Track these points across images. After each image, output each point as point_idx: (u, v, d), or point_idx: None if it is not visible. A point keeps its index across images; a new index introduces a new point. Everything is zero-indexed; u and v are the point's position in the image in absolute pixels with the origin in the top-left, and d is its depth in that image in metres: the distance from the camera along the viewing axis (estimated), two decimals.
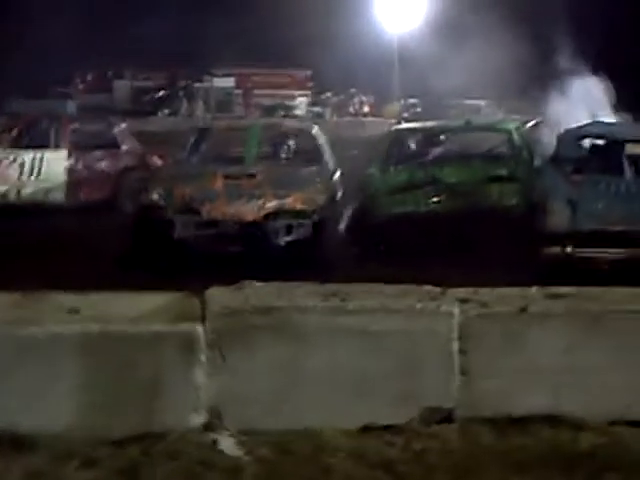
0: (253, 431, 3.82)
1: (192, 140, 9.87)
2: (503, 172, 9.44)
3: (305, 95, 42.34)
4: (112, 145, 11.99)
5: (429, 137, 10.77)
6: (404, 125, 15.11)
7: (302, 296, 3.98)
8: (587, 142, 8.69)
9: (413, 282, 4.26)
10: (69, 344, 3.81)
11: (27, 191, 11.11)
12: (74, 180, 11.32)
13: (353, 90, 40.34)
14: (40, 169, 11.12)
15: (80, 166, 11.45)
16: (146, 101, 38.95)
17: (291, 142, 10.06)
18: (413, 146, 10.85)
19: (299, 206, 8.17)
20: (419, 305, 3.96)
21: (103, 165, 11.68)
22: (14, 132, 11.44)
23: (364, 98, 40.43)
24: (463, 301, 4.06)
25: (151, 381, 3.83)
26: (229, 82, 41.32)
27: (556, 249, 7.66)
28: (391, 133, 10.85)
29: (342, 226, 8.77)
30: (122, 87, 41.98)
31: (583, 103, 12.25)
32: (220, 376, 3.85)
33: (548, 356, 4.02)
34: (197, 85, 39.87)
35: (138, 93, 40.59)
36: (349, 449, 3.72)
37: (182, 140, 10.09)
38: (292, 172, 9.01)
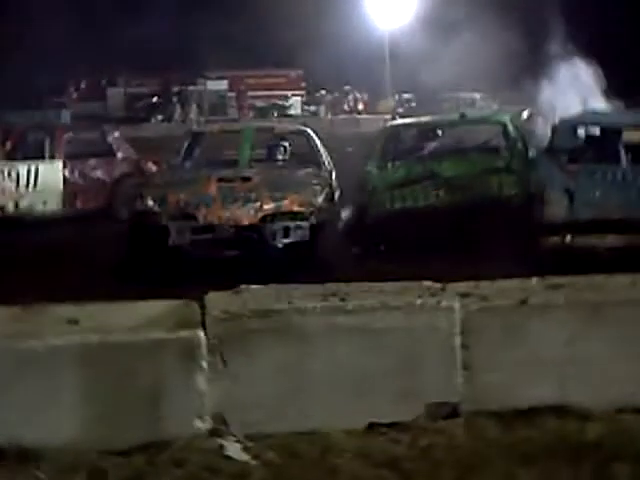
0: (258, 435, 3.81)
1: (185, 145, 9.80)
2: (500, 164, 9.42)
3: (299, 94, 42.34)
4: (107, 153, 11.98)
5: (425, 132, 10.75)
6: (399, 121, 15.08)
7: (301, 297, 3.97)
8: (582, 131, 8.68)
9: (415, 278, 4.25)
10: (69, 356, 3.80)
11: (24, 203, 11.10)
12: (70, 190, 11.32)
13: (347, 87, 40.35)
14: (36, 180, 11.11)
15: (76, 175, 11.44)
16: (140, 107, 38.95)
17: (285, 144, 9.92)
18: (409, 141, 10.85)
19: (296, 208, 8.07)
20: (419, 301, 3.95)
21: (98, 173, 11.67)
22: (8, 144, 11.42)
23: (358, 95, 40.44)
24: (463, 295, 4.05)
25: (153, 389, 3.82)
26: (222, 85, 41.33)
27: (555, 239, 7.65)
28: (386, 129, 10.83)
29: (341, 224, 8.70)
30: (115, 94, 41.99)
31: (576, 92, 12.23)
32: (222, 381, 3.84)
33: (551, 347, 4.01)
34: (190, 89, 39.85)
35: (132, 100, 40.60)
36: (355, 449, 3.71)
37: (176, 145, 10.01)
38: (287, 174, 8.93)
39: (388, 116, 31.25)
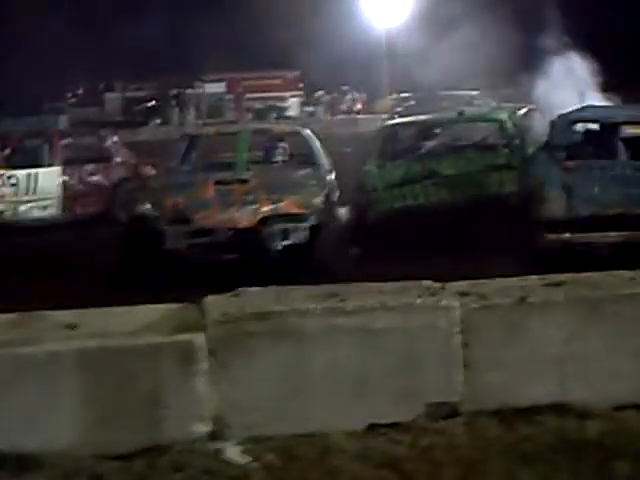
0: (258, 438, 3.80)
1: (182, 148, 9.72)
2: (499, 161, 9.44)
3: (297, 95, 42.31)
4: (105, 158, 11.98)
5: (423, 130, 10.76)
6: (398, 120, 15.10)
7: (300, 299, 3.96)
8: (580, 127, 8.67)
9: (416, 277, 4.24)
10: (69, 361, 3.79)
11: (23, 209, 11.11)
12: (69, 195, 11.33)
13: (345, 88, 40.31)
14: (35, 186, 11.12)
15: (74, 181, 11.45)
16: (137, 111, 38.93)
17: (283, 145, 9.84)
18: (408, 140, 10.86)
19: (294, 210, 7.99)
20: (418, 301, 3.94)
21: (97, 178, 11.68)
22: (7, 150, 11.43)
23: (356, 95, 40.40)
24: (463, 294, 4.04)
25: (153, 393, 3.81)
26: (220, 87, 41.29)
27: (553, 236, 7.63)
28: (385, 128, 10.83)
29: (341, 224, 8.64)
30: (113, 99, 41.95)
31: (574, 88, 12.23)
32: (222, 384, 3.83)
33: (551, 345, 4.00)
34: (188, 92, 39.83)
35: (129, 104, 40.56)
36: (355, 450, 3.70)
37: (173, 148, 9.91)
38: (285, 175, 8.85)
39: (386, 116, 31.26)
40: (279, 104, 40.91)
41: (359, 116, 35.36)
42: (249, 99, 40.85)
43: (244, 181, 8.42)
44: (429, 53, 22.67)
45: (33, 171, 11.18)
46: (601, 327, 4.02)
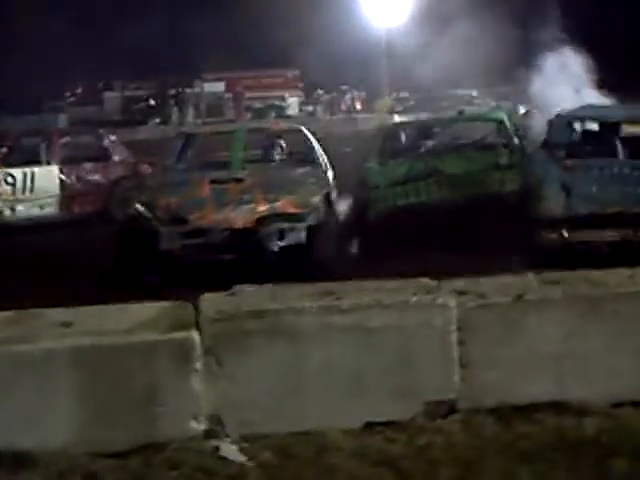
0: (254, 436, 3.79)
1: (177, 147, 9.59)
2: (499, 160, 9.45)
3: (296, 94, 42.30)
4: (103, 157, 11.95)
5: (424, 129, 10.80)
6: (398, 119, 15.15)
7: (296, 297, 3.95)
8: (578, 126, 8.66)
9: (416, 275, 4.23)
10: (64, 359, 3.78)
11: (21, 207, 11.08)
12: (67, 194, 11.30)
13: (344, 87, 40.30)
14: (32, 185, 11.09)
15: (72, 179, 11.42)
16: (137, 110, 38.91)
17: (280, 144, 9.71)
18: (409, 139, 10.89)
19: (291, 209, 7.80)
20: (415, 299, 3.92)
21: (95, 177, 11.64)
22: (4, 149, 11.40)
23: (355, 94, 40.40)
24: (460, 292, 4.03)
25: (149, 391, 3.80)
26: (219, 86, 41.29)
27: (553, 234, 7.62)
28: (385, 127, 10.86)
29: (340, 223, 8.55)
30: (112, 98, 41.93)
31: (574, 86, 12.22)
32: (218, 382, 3.82)
33: (548, 343, 3.99)
34: (187, 91, 39.81)
35: (129, 103, 40.55)
36: (352, 448, 3.69)
37: (168, 147, 9.77)
38: (282, 175, 8.69)
39: (386, 115, 31.27)
40: (278, 103, 40.89)
41: (359, 115, 35.35)
42: (248, 98, 40.84)
43: (240, 180, 8.28)
44: (428, 52, 22.67)
45: (30, 170, 11.15)
46: (599, 325, 4.01)
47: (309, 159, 9.17)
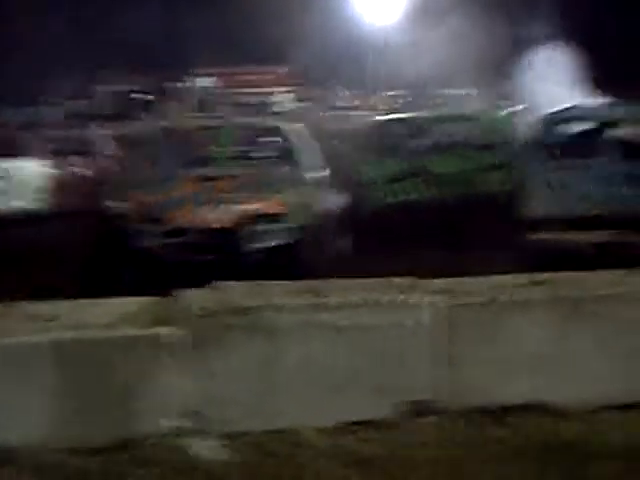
0: (232, 433, 3.78)
1: (159, 142, 9.43)
2: (488, 159, 9.49)
3: (289, 91, 42.23)
4: (92, 150, 11.93)
5: (416, 128, 10.81)
6: (390, 116, 15.17)
7: (278, 295, 3.94)
8: (567, 126, 8.67)
9: (399, 274, 4.22)
10: (44, 353, 3.76)
11: (6, 200, 11.01)
12: (54, 187, 11.26)
13: (336, 84, 40.26)
14: (19, 177, 11.05)
15: (60, 173, 11.39)
16: (127, 104, 38.78)
17: (266, 141, 9.39)
18: (400, 137, 10.90)
19: (273, 210, 7.57)
20: (395, 298, 3.92)
21: (84, 170, 11.62)
22: None
23: (348, 91, 40.36)
24: (440, 292, 4.03)
25: (128, 386, 3.78)
26: (210, 81, 41.18)
27: (539, 234, 7.63)
28: (378, 124, 10.84)
29: (327, 224, 8.41)
30: (104, 92, 41.79)
31: (566, 87, 12.25)
32: (197, 379, 3.81)
33: (528, 344, 3.99)
34: (178, 85, 39.70)
35: (120, 97, 40.41)
36: (329, 447, 3.68)
37: (149, 143, 9.60)
38: (266, 173, 8.36)
39: (378, 112, 31.21)
40: (271, 99, 40.80)
41: (350, 112, 35.30)
42: (240, 94, 40.74)
43: (221, 178, 8.03)
44: (422, 50, 22.68)
45: (17, 163, 11.10)
46: (580, 327, 4.01)
47: (296, 157, 8.91)
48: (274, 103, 40.48)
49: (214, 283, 4.10)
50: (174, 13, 38.43)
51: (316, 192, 8.58)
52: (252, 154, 9.32)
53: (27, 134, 11.46)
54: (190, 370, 3.79)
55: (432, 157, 9.59)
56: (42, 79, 37.78)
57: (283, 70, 42.24)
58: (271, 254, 7.38)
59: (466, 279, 4.21)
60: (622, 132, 9.08)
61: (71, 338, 3.77)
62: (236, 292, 4.00)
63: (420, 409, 3.88)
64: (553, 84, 11.90)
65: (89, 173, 11.59)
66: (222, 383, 3.80)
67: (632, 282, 4.16)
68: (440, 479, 3.48)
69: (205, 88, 40.70)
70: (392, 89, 37.59)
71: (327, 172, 9.35)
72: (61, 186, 11.34)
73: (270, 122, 13.80)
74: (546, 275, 4.27)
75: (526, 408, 3.90)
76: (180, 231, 7.42)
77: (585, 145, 8.25)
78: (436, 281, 4.12)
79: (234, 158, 8.91)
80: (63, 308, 4.07)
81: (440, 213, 8.68)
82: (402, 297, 3.91)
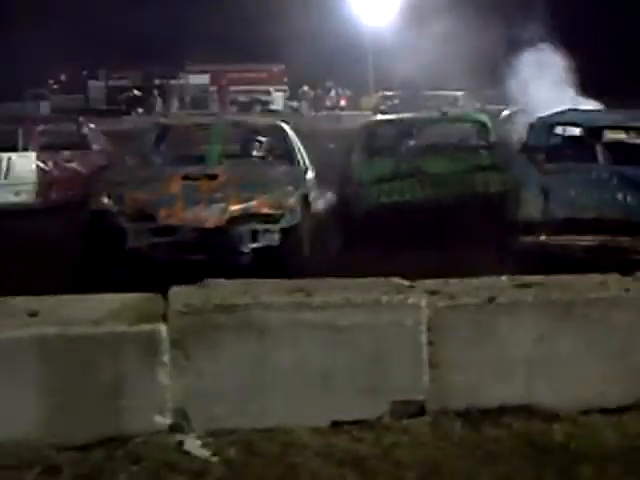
0: (220, 431, 3.75)
1: (152, 139, 9.20)
2: (479, 161, 9.48)
3: (282, 90, 42.24)
4: (82, 145, 11.86)
5: (407, 128, 10.79)
6: (382, 117, 15.18)
7: (267, 293, 3.90)
8: (559, 130, 8.67)
9: (389, 274, 4.19)
10: (29, 348, 3.72)
11: None
12: (44, 181, 11.18)
13: (329, 83, 40.30)
14: (8, 171, 10.96)
15: (50, 167, 11.31)
16: (121, 100, 38.74)
17: (259, 140, 9.29)
18: (392, 137, 10.89)
19: (265, 209, 7.37)
20: (385, 298, 3.89)
21: (73, 165, 11.54)
22: None
23: (340, 91, 40.40)
24: (431, 293, 4.00)
25: (114, 384, 3.74)
26: (204, 79, 41.17)
27: (530, 237, 7.61)
28: (369, 124, 10.81)
29: (319, 225, 8.33)
30: (96, 87, 41.74)
31: (559, 91, 12.25)
32: (185, 376, 3.77)
33: (519, 346, 3.97)
34: (172, 82, 39.68)
35: (113, 92, 40.37)
36: (318, 447, 3.65)
37: (142, 139, 9.38)
38: (258, 172, 8.25)
39: (371, 113, 31.24)
40: (263, 98, 40.84)
41: (343, 112, 35.34)
42: (233, 92, 40.74)
43: (214, 177, 7.79)
44: (415, 52, 22.68)
45: (6, 156, 11.01)
46: (569, 330, 3.99)
47: (289, 157, 8.82)
48: (268, 101, 40.57)
49: (204, 280, 4.05)
50: (169, 10, 38.33)
51: (310, 192, 8.45)
52: (246, 152, 9.23)
53: (17, 128, 11.34)
54: (177, 367, 3.75)
55: (426, 158, 9.56)
56: (37, 74, 37.65)
57: (278, 68, 42.28)
58: (264, 254, 7.22)
59: (458, 281, 4.18)
60: (614, 136, 9.10)
61: (56, 334, 3.73)
62: (225, 289, 3.96)
63: (413, 409, 3.85)
64: (547, 87, 11.89)
65: (79, 168, 11.51)
66: (210, 381, 3.76)
67: (623, 285, 4.14)
68: (434, 479, 3.45)
69: (199, 85, 40.74)
70: (385, 89, 37.64)
71: (321, 172, 9.33)
72: (50, 180, 11.26)
73: (264, 120, 13.77)
74: (535, 278, 4.24)
75: (519, 409, 3.88)
76: (170, 230, 7.23)
77: (577, 149, 8.24)
78: (428, 281, 4.09)
79: (227, 156, 8.75)
80: (48, 303, 4.02)
81: (434, 213, 8.65)
82: (397, 297, 3.87)
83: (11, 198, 10.92)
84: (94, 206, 7.53)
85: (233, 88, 40.89)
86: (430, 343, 3.90)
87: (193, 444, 3.70)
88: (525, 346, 3.95)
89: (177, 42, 37.15)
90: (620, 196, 7.55)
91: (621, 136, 9.39)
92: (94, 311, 3.88)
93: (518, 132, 9.66)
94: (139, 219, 7.28)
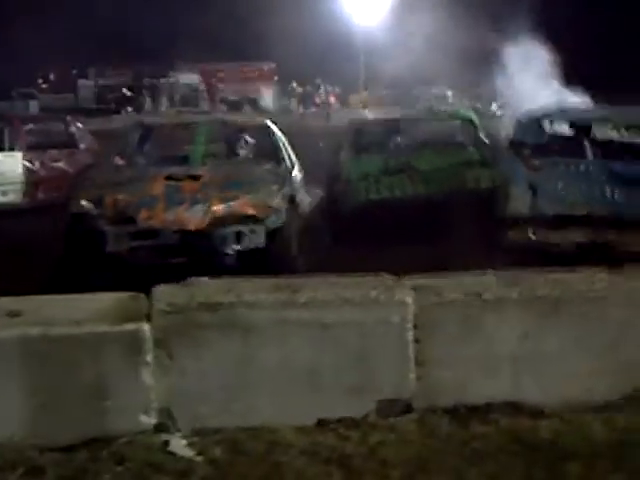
0: (205, 431, 3.72)
1: (132, 139, 9.01)
2: (466, 157, 9.48)
3: (272, 88, 42.18)
4: (69, 144, 11.78)
5: (395, 125, 10.80)
6: (369, 115, 15.20)
7: (251, 291, 3.86)
8: (546, 125, 8.65)
9: (375, 270, 4.16)
10: (11, 349, 3.68)
11: None
12: (31, 181, 11.11)
13: (318, 81, 40.24)
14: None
15: (37, 166, 11.23)
16: (110, 99, 38.61)
17: (244, 139, 9.10)
18: (380, 134, 10.90)
19: (250, 210, 7.16)
20: (372, 294, 3.86)
21: (60, 165, 11.46)
22: None
23: (330, 88, 40.35)
24: (418, 289, 3.97)
25: (98, 384, 3.71)
26: (194, 77, 41.06)
27: (520, 233, 7.60)
28: (357, 122, 10.80)
29: (306, 225, 8.21)
30: (86, 86, 41.59)
31: (546, 87, 12.26)
32: (169, 375, 3.74)
33: (506, 342, 3.94)
34: (162, 81, 39.56)
35: (102, 92, 40.23)
36: (303, 445, 3.63)
37: (124, 139, 9.15)
38: (242, 172, 7.93)
39: (360, 110, 31.25)
40: (253, 96, 40.77)
41: (332, 110, 35.31)
42: (223, 90, 40.65)
43: (196, 177, 7.56)
44: (405, 50, 22.70)
45: None
46: (557, 326, 3.96)
47: (274, 156, 8.60)
48: (258, 99, 40.50)
49: (188, 279, 4.01)
50: (159, 8, 38.23)
51: (297, 191, 8.30)
52: (230, 152, 9.06)
53: (3, 127, 11.26)
54: (161, 367, 3.71)
55: (415, 154, 9.55)
56: (25, 73, 37.51)
57: (268, 66, 42.19)
58: (249, 256, 7.03)
59: (445, 277, 4.15)
60: (602, 132, 9.09)
61: (39, 334, 3.69)
62: (209, 287, 3.92)
63: (400, 407, 3.82)
64: (536, 83, 11.91)
65: (66, 167, 11.43)
66: (194, 380, 3.73)
67: (612, 281, 4.12)
68: (421, 476, 3.42)
69: (189, 84, 40.63)
70: (376, 87, 37.64)
71: (310, 170, 9.25)
72: (37, 180, 11.19)
73: (249, 119, 13.64)
74: (523, 274, 4.22)
75: (507, 406, 3.86)
76: (151, 232, 7.03)
77: (565, 145, 8.23)
78: (414, 278, 4.05)
79: (211, 156, 8.57)
80: (30, 303, 3.98)
81: (424, 210, 8.62)
82: (384, 294, 3.84)
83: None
84: (74, 209, 7.32)
85: (223, 86, 40.81)
86: (417, 340, 3.87)
87: (178, 444, 3.67)
88: (512, 342, 3.93)
89: (167, 41, 37.04)
90: (609, 192, 7.54)
91: (609, 132, 9.38)
92: (77, 311, 3.84)
93: (506, 128, 9.67)
94: (119, 222, 7.07)
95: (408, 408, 3.88)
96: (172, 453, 3.62)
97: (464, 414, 3.86)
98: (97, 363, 3.70)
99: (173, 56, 39.33)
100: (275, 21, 32.62)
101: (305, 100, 38.99)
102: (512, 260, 6.65)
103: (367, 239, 7.89)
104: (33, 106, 33.94)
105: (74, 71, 42.37)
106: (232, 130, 9.34)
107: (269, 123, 9.17)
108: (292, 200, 7.79)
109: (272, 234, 7.14)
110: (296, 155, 9.19)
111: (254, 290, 3.87)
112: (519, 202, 7.63)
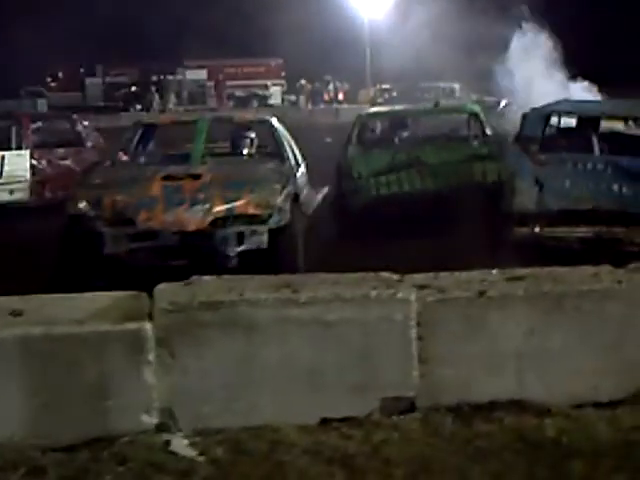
0: (207, 430, 3.70)
1: (132, 138, 8.83)
2: (472, 152, 9.46)
3: (279, 84, 42.15)
4: (76, 142, 11.78)
5: (401, 120, 10.78)
6: (375, 109, 15.21)
7: (253, 289, 3.85)
8: (553, 120, 8.61)
9: (377, 269, 4.14)
10: (12, 348, 3.67)
11: None
12: (38, 179, 11.12)
13: (328, 77, 40.19)
14: (2, 169, 10.89)
15: (44, 165, 11.24)
16: (118, 97, 38.66)
17: (246, 136, 8.81)
18: (386, 129, 10.89)
19: (252, 210, 6.97)
20: (374, 293, 3.83)
21: (67, 163, 11.46)
22: None
23: (338, 85, 40.31)
24: (421, 287, 3.94)
25: (100, 383, 3.70)
26: (201, 74, 41.06)
27: (525, 229, 7.55)
28: (363, 117, 10.75)
29: (311, 224, 8.09)
30: (94, 84, 41.65)
31: (553, 81, 12.21)
32: (171, 374, 3.72)
33: (510, 340, 3.92)
34: (169, 78, 39.55)
35: (110, 89, 40.29)
36: (306, 445, 3.61)
37: (124, 138, 8.92)
38: (244, 171, 7.71)
39: (368, 106, 31.18)
40: (261, 92, 40.75)
41: (341, 106, 35.28)
42: (231, 86, 40.65)
43: (196, 177, 7.36)
44: (412, 45, 22.63)
45: (0, 154, 10.93)
46: (561, 323, 3.93)
47: (278, 153, 8.40)
48: (266, 95, 40.48)
49: (190, 278, 4.00)
50: (166, 5, 38.23)
51: (301, 190, 8.16)
52: (231, 149, 8.89)
53: (10, 125, 11.26)
54: (163, 366, 3.70)
55: (423, 149, 9.51)
56: (30, 71, 37.57)
57: (276, 62, 42.16)
58: (251, 257, 6.86)
59: (448, 274, 4.13)
60: (609, 127, 9.04)
61: (41, 333, 3.68)
62: (211, 286, 3.91)
63: (403, 405, 3.80)
64: (543, 77, 11.86)
65: (73, 165, 11.43)
66: (196, 379, 3.72)
67: (615, 277, 4.08)
68: (424, 475, 3.40)
69: (196, 80, 40.65)
70: (383, 82, 37.57)
71: (318, 166, 9.18)
72: (44, 178, 11.20)
73: (251, 115, 13.53)
74: (526, 270, 4.19)
75: (511, 404, 3.83)
76: (150, 234, 6.87)
77: (572, 139, 8.18)
78: (417, 275, 4.03)
79: (212, 154, 8.38)
80: (33, 302, 3.98)
81: (434, 204, 8.59)
82: (386, 292, 3.81)
83: (5, 197, 10.85)
84: (71, 210, 7.16)
85: (230, 83, 40.78)
86: (420, 338, 3.85)
87: (180, 443, 3.66)
88: (516, 340, 3.90)
89: (174, 38, 37.05)
90: (615, 187, 7.48)
91: (617, 126, 9.33)
92: (79, 310, 3.84)
93: (513, 123, 9.62)
94: (118, 223, 6.91)
95: (411, 407, 3.86)
96: (174, 453, 3.61)
97: (468, 412, 3.84)
98: (99, 362, 3.69)
99: (180, 53, 39.33)
100: (281, 17, 32.56)
101: (314, 97, 38.95)
102: (518, 255, 6.62)
103: (376, 234, 7.86)
104: (41, 104, 33.98)
105: (82, 69, 42.41)
106: (233, 127, 9.14)
107: (272, 119, 8.98)
108: (296, 199, 7.62)
109: (275, 234, 6.97)
110: (303, 152, 9.10)
111: (256, 289, 3.86)
112: (525, 197, 7.57)
